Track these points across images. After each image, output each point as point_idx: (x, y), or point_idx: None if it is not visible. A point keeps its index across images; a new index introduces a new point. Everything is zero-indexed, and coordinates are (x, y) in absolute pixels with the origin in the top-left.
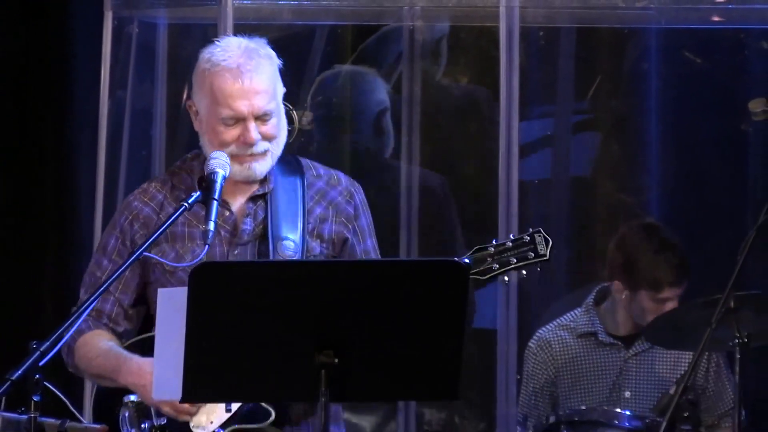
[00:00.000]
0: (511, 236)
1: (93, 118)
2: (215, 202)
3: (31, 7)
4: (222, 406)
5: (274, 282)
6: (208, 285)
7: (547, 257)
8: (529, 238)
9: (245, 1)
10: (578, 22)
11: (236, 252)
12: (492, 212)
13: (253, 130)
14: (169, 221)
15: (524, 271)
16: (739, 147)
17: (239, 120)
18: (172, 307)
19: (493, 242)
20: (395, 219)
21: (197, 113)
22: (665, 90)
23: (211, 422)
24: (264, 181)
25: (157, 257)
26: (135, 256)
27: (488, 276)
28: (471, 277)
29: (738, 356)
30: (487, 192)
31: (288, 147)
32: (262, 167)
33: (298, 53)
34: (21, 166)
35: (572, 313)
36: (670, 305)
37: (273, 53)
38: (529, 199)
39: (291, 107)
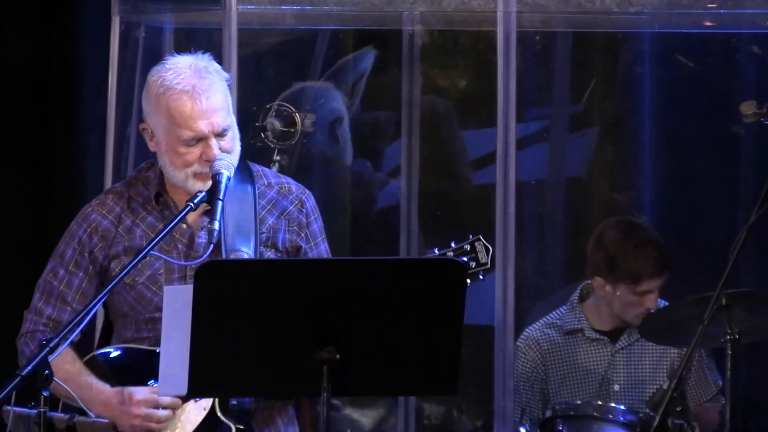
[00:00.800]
0: (452, 244)
1: (101, 120)
2: (220, 203)
3: (40, 12)
4: (185, 424)
5: (278, 280)
6: (213, 283)
7: (489, 265)
8: (469, 246)
9: (249, 6)
10: (573, 26)
11: (193, 265)
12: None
13: (215, 146)
14: (173, 223)
15: (468, 280)
16: (731, 148)
17: (200, 139)
18: (177, 304)
19: (435, 251)
20: (396, 219)
21: (153, 135)
22: (658, 93)
23: None
24: None
25: (163, 255)
26: (139, 257)
27: None
28: None
29: (729, 352)
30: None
31: (289, 148)
32: None
33: (301, 57)
34: (30, 168)
35: (558, 311)
36: (651, 298)
37: (220, 67)
38: (525, 200)
39: (293, 110)
